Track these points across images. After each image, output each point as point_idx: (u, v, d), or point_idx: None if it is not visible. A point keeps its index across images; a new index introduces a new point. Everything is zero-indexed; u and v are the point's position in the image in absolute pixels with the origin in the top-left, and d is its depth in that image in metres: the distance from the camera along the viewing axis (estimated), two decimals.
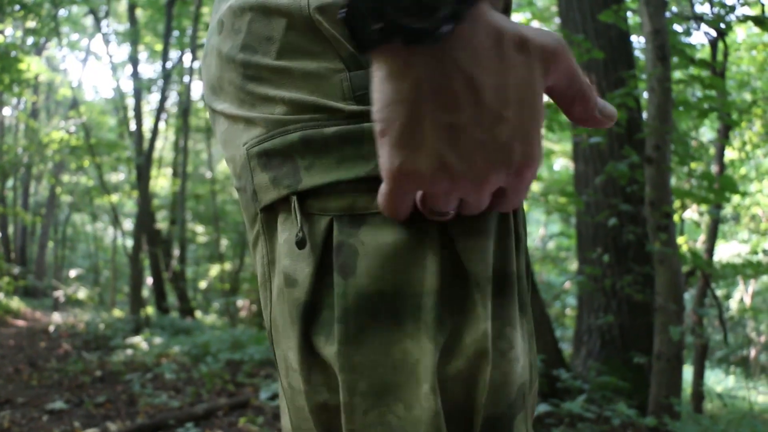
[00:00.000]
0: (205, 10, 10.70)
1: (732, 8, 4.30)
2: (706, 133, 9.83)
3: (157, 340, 6.35)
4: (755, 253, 9.29)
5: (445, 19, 0.41)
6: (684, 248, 4.68)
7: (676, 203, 5.06)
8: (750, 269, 4.98)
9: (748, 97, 7.81)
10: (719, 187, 3.72)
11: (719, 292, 11.97)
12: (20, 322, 9.01)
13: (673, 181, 7.32)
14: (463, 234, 0.53)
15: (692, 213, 8.37)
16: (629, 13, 5.27)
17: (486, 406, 0.53)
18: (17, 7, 8.77)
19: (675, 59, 4.74)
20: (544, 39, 0.47)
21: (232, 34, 0.61)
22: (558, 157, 13.25)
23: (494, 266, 0.54)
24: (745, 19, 3.71)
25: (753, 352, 12.30)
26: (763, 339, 12.52)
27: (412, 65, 0.44)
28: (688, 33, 5.20)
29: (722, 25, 4.45)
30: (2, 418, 3.34)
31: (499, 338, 0.54)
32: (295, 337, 0.56)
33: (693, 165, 6.36)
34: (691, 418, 3.56)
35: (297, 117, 0.56)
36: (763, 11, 4.64)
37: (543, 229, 14.93)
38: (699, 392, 5.36)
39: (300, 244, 0.54)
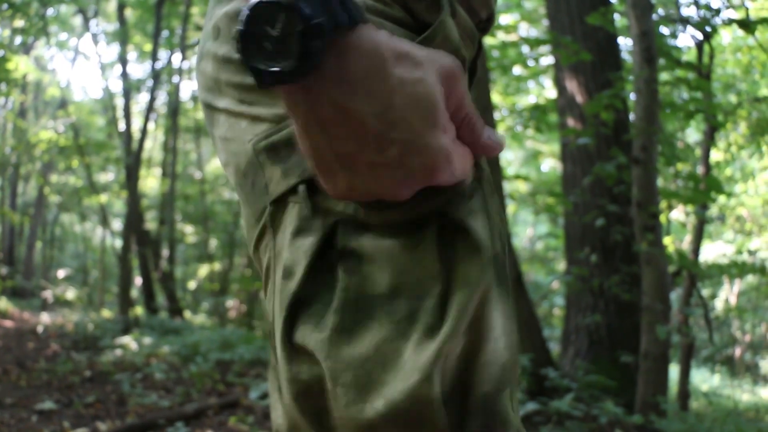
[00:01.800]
0: (194, 10, 10.67)
1: (717, 11, 4.36)
2: (692, 134, 9.91)
3: (147, 340, 6.34)
4: (740, 253, 9.39)
5: (303, 57, 0.44)
6: (670, 248, 4.73)
7: (663, 204, 5.12)
8: (735, 269, 5.04)
9: (733, 99, 7.89)
10: (705, 188, 3.78)
11: (705, 292, 12.06)
12: (8, 323, 8.95)
13: (660, 182, 7.38)
14: (468, 214, 0.55)
15: (678, 213, 8.45)
16: (617, 16, 5.32)
17: (477, 385, 0.54)
18: (5, 6, 8.71)
19: (662, 61, 4.79)
20: (443, 59, 0.50)
21: (230, 40, 0.63)
22: (546, 157, 13.33)
23: None
24: (730, 22, 3.76)
25: (738, 351, 12.42)
26: (748, 338, 12.63)
27: (295, 102, 0.47)
28: (674, 36, 5.26)
29: (708, 28, 4.51)
30: None
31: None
32: (280, 323, 0.57)
33: (679, 166, 6.42)
34: (677, 416, 3.60)
35: None
36: (747, 15, 4.70)
37: (531, 230, 15.00)
38: (685, 391, 5.41)
39: (305, 221, 0.57)
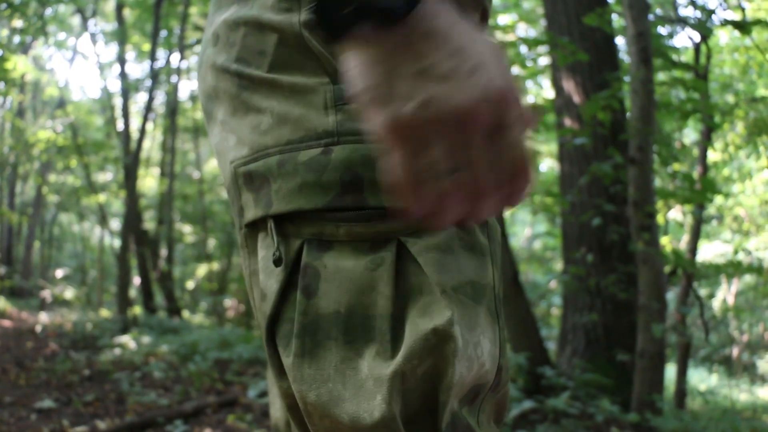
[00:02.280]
0: (193, 10, 10.68)
1: (712, 12, 4.38)
2: (691, 134, 9.94)
3: (145, 339, 6.35)
4: (737, 252, 9.42)
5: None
6: (668, 248, 4.76)
7: (660, 204, 5.13)
8: (731, 268, 5.06)
9: (731, 99, 7.91)
10: (701, 188, 3.80)
11: (702, 292, 12.10)
12: (6, 323, 8.95)
13: (658, 182, 7.41)
14: (423, 250, 0.57)
15: (676, 213, 8.47)
16: (615, 16, 5.34)
17: (445, 403, 0.56)
18: (3, 5, 8.72)
19: (660, 61, 4.82)
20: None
21: (227, 47, 0.65)
22: (544, 157, 13.34)
23: (467, 278, 0.58)
24: (725, 23, 3.78)
25: (735, 351, 12.45)
26: (745, 338, 12.66)
27: (382, 40, 0.46)
28: (670, 36, 5.29)
29: (705, 28, 4.53)
30: None
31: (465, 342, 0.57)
32: (266, 346, 0.61)
33: (677, 166, 6.44)
34: (672, 415, 3.62)
35: (278, 139, 0.59)
36: (744, 16, 4.73)
37: (529, 230, 15.02)
38: (682, 390, 5.44)
39: (277, 262, 0.59)
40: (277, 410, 0.81)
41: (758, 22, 3.50)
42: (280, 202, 0.59)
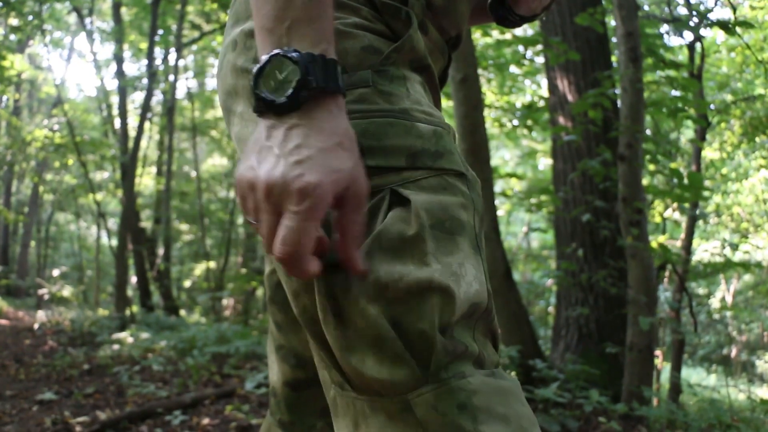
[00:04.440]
0: (190, 9, 10.72)
1: (705, 14, 4.45)
2: (689, 133, 9.99)
3: (144, 335, 6.41)
4: (724, 247, 9.48)
5: (291, 98, 0.60)
6: (655, 243, 4.82)
7: (657, 202, 5.20)
8: (721, 265, 5.13)
9: (729, 98, 7.97)
10: (688, 185, 3.87)
11: (701, 291, 12.14)
12: (3, 321, 8.99)
13: (655, 180, 7.47)
14: (412, 193, 0.67)
15: (673, 212, 8.54)
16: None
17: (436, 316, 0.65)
18: (0, 4, 8.76)
19: (652, 60, 4.89)
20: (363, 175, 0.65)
21: (245, 51, 0.78)
22: (542, 156, 13.41)
23: (448, 215, 0.68)
24: (711, 23, 3.85)
25: (734, 351, 12.48)
26: (744, 338, 12.70)
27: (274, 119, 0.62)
28: (660, 37, 5.36)
29: (700, 27, 4.60)
30: None
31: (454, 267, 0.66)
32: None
33: (673, 165, 6.50)
34: (661, 406, 3.69)
35: None
36: (736, 17, 4.79)
37: (526, 228, 15.08)
38: (676, 384, 5.50)
39: None
40: (274, 374, 0.90)
41: (744, 23, 3.56)
42: None
